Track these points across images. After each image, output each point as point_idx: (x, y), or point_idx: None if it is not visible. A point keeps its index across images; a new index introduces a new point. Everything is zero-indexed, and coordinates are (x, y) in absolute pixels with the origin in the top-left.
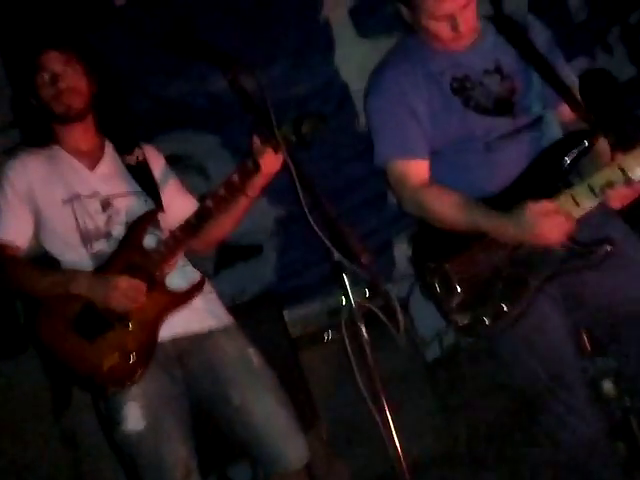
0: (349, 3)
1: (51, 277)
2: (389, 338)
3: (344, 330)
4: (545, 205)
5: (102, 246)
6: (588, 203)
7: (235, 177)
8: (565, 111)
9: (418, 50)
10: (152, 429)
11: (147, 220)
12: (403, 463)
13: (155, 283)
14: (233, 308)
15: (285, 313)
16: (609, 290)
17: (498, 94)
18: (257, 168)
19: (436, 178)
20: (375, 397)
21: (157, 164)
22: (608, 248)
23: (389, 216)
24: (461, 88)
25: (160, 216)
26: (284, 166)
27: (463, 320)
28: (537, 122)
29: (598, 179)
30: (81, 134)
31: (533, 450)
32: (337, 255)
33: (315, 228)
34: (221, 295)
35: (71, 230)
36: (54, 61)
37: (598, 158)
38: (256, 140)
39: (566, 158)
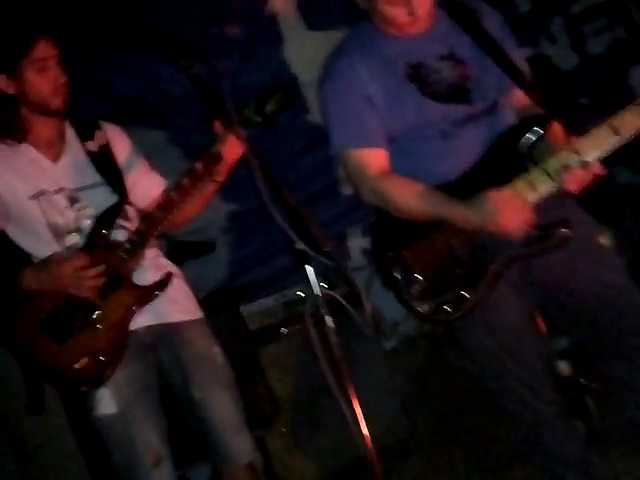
0: None
1: (4, 278)
2: (348, 326)
3: (308, 320)
4: (505, 193)
5: (74, 240)
6: (545, 188)
7: (199, 165)
8: (519, 96)
9: (372, 37)
10: (123, 414)
11: (113, 215)
12: (373, 450)
13: (123, 281)
14: None
15: (242, 308)
16: (566, 272)
17: (452, 80)
18: (219, 156)
19: (394, 166)
20: (340, 385)
21: (120, 145)
22: (564, 231)
23: (342, 208)
24: (416, 75)
25: (127, 206)
26: (241, 158)
27: (424, 308)
28: (492, 108)
29: (554, 163)
30: (47, 124)
31: (491, 431)
32: (300, 244)
33: (277, 218)
34: None
35: (41, 226)
36: (46, 51)
37: (553, 143)
38: (218, 126)
39: (522, 143)
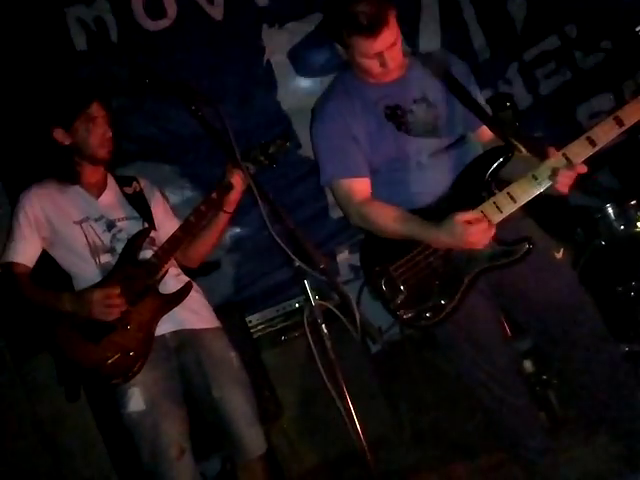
0: (287, 47)
1: (46, 296)
2: (340, 332)
3: (307, 327)
4: (469, 214)
5: (108, 259)
6: (508, 209)
7: (214, 195)
8: (484, 131)
9: (354, 83)
10: (151, 411)
11: (142, 237)
12: (364, 442)
13: (150, 290)
14: None
15: (246, 318)
16: (527, 282)
17: (426, 119)
18: (230, 186)
19: (377, 194)
20: (335, 386)
21: (151, 193)
22: (527, 246)
23: (331, 230)
24: (393, 115)
25: (154, 234)
26: (245, 189)
27: (407, 315)
28: (460, 141)
29: (544, 169)
30: (95, 170)
31: (468, 424)
32: (298, 262)
33: (276, 238)
34: None
35: (82, 246)
36: (99, 111)
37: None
38: (228, 164)
39: (488, 171)
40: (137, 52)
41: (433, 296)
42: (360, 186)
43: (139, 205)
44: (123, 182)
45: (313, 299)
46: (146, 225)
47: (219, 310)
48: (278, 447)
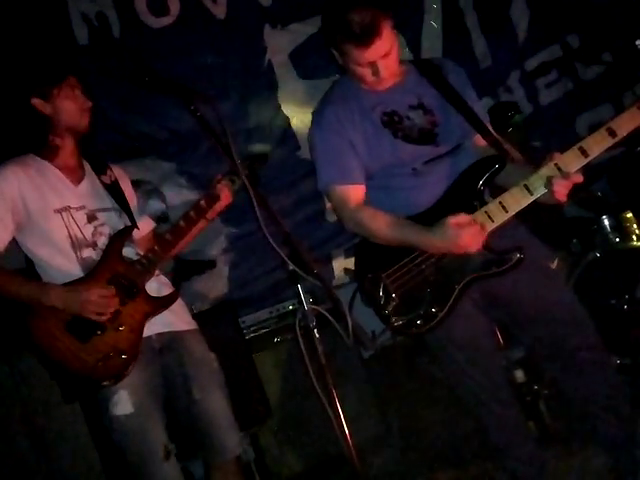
0: (289, 48)
1: (26, 287)
2: (332, 337)
3: (298, 331)
4: (462, 218)
5: (89, 254)
6: (500, 218)
7: (203, 203)
8: (479, 140)
9: (351, 90)
10: (138, 413)
11: (125, 235)
12: (352, 448)
13: (139, 291)
14: (194, 315)
15: (240, 319)
16: (520, 292)
17: (422, 126)
18: (218, 197)
19: (373, 199)
20: (325, 390)
21: (125, 184)
22: (519, 255)
23: (327, 233)
24: (390, 121)
25: (134, 231)
26: (242, 189)
27: (398, 322)
28: (456, 149)
29: (536, 179)
30: (72, 150)
31: (456, 431)
32: (292, 266)
33: (271, 242)
34: None
35: (63, 237)
36: (75, 83)
37: (508, 177)
38: (218, 176)
39: (481, 180)
40: (139, 49)
41: (424, 304)
42: (355, 192)
43: (117, 196)
44: (98, 169)
45: (306, 303)
46: (124, 217)
47: (212, 310)
48: (267, 449)
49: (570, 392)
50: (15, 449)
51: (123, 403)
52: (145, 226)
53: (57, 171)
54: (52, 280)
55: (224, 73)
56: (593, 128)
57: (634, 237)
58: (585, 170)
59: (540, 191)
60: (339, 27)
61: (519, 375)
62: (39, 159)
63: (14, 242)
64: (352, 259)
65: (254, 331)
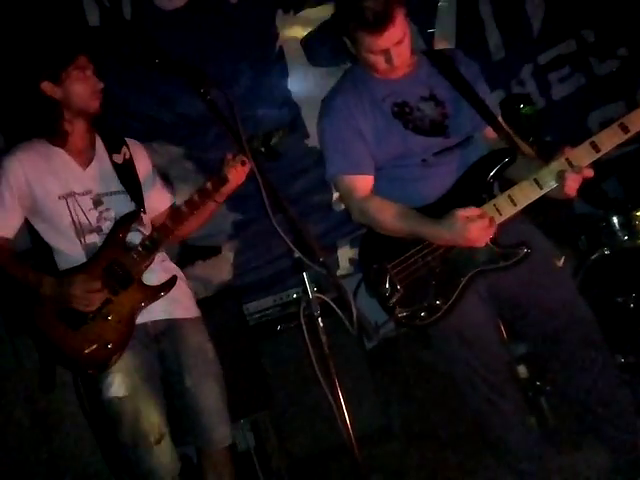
0: (301, 35)
1: (26, 276)
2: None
3: (302, 319)
4: (471, 210)
5: (94, 239)
6: (508, 211)
7: (209, 185)
8: (489, 132)
9: (363, 79)
10: (132, 397)
11: (131, 220)
12: (353, 438)
13: (133, 280)
14: (198, 301)
15: (243, 306)
16: (525, 288)
17: (433, 117)
18: (226, 179)
19: (381, 190)
20: (328, 379)
21: (141, 161)
22: (525, 250)
23: (333, 222)
24: (401, 112)
25: (142, 214)
26: (249, 175)
27: (402, 314)
28: (466, 141)
29: (546, 173)
30: (83, 133)
31: (458, 424)
32: (297, 253)
33: (278, 229)
34: None
35: (66, 223)
36: (86, 63)
37: (518, 171)
38: (228, 155)
39: (490, 173)
40: (150, 30)
41: (429, 296)
42: (363, 183)
43: (128, 178)
44: (112, 147)
45: (311, 292)
46: (133, 202)
47: (216, 296)
48: (267, 437)
49: (571, 389)
50: (18, 430)
51: (116, 386)
52: (162, 202)
53: (65, 155)
54: (60, 264)
55: (234, 58)
56: (604, 125)
57: None
58: (595, 166)
59: (550, 185)
60: (352, 14)
61: (522, 370)
62: (48, 144)
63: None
64: (358, 249)
65: (257, 319)
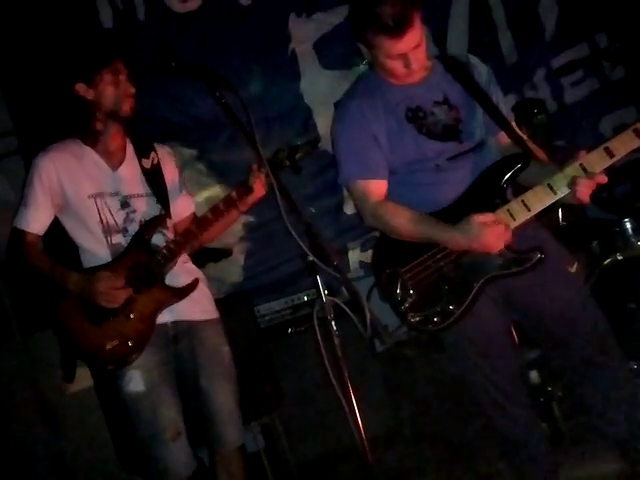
0: (314, 38)
1: (54, 271)
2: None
3: (316, 323)
4: (487, 216)
5: (119, 240)
6: (522, 216)
7: (234, 194)
8: (503, 137)
9: (377, 84)
10: (150, 392)
11: (157, 223)
12: (364, 441)
13: (156, 281)
14: None
15: (255, 309)
16: (538, 293)
17: (446, 122)
18: (251, 189)
19: (394, 194)
20: (339, 381)
21: (169, 166)
22: (539, 256)
23: (344, 225)
24: (415, 117)
25: (168, 219)
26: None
27: (415, 319)
28: (480, 146)
29: (560, 178)
30: (114, 135)
31: (468, 427)
32: (311, 257)
33: (292, 232)
34: None
35: (94, 222)
36: (120, 67)
37: (531, 176)
38: (253, 166)
39: (504, 178)
40: (163, 33)
41: (442, 301)
42: (376, 187)
43: (155, 182)
44: (142, 152)
45: (324, 295)
46: (159, 205)
47: (228, 299)
48: (277, 438)
49: (584, 395)
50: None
51: (135, 381)
52: (186, 208)
53: (96, 156)
54: (86, 262)
55: (247, 61)
56: (617, 129)
57: None
58: (609, 172)
59: (564, 191)
60: (370, 21)
61: (533, 376)
62: (80, 143)
63: None
64: (368, 252)
65: (268, 321)
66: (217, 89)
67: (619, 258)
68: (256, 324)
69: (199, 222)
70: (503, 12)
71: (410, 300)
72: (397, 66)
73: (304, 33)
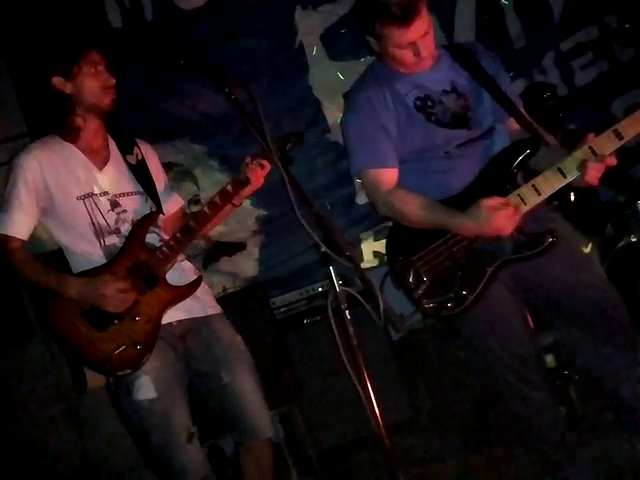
0: (320, 30)
1: (47, 278)
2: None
3: (330, 313)
4: (496, 200)
5: (113, 240)
6: (533, 201)
7: (230, 188)
8: (512, 123)
9: (385, 75)
10: (162, 398)
11: (149, 221)
12: (381, 426)
13: (159, 280)
14: (225, 296)
15: (270, 300)
16: (552, 274)
17: (455, 110)
18: (247, 181)
19: (405, 183)
20: (355, 370)
21: (153, 161)
22: (551, 239)
23: (356, 216)
24: (423, 105)
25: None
26: (272, 170)
27: (429, 305)
28: (489, 133)
29: (570, 162)
30: (96, 130)
31: (485, 414)
32: (324, 248)
33: (304, 224)
34: (210, 286)
35: (85, 224)
36: (97, 58)
37: (541, 160)
38: (247, 158)
39: (514, 164)
40: (171, 31)
41: (455, 287)
42: (388, 176)
43: (142, 178)
44: (125, 148)
45: (338, 285)
46: (149, 202)
47: (243, 292)
48: (296, 428)
49: (600, 377)
50: (53, 426)
51: (146, 388)
52: (173, 205)
53: (80, 155)
54: (77, 266)
55: (255, 55)
56: (629, 111)
57: None
58: (622, 152)
59: (574, 174)
60: (377, 11)
61: (549, 360)
62: (62, 141)
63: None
64: (381, 242)
65: (283, 312)
66: (226, 85)
67: (633, 240)
68: (272, 316)
69: (197, 218)
70: None
71: (423, 287)
72: (407, 55)
73: (310, 25)
